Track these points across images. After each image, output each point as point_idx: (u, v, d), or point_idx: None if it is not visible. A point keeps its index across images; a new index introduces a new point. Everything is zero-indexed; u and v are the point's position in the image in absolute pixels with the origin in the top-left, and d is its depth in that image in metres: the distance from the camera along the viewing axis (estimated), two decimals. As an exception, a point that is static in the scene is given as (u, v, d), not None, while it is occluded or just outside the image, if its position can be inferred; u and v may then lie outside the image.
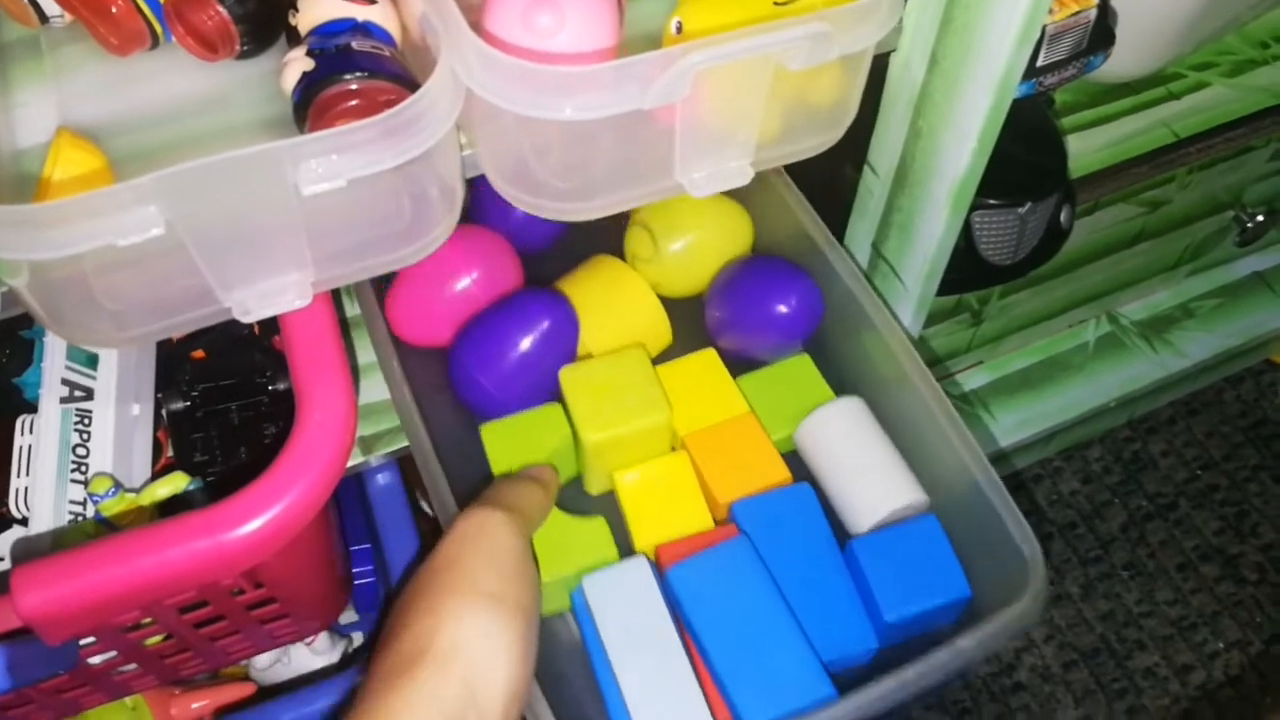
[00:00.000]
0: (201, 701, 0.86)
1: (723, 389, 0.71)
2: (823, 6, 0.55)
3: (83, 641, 0.59)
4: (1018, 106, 0.67)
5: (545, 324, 0.71)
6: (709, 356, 0.72)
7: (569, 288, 0.76)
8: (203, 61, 0.59)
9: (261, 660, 0.89)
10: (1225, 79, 1.04)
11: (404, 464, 0.97)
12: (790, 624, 0.60)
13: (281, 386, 0.78)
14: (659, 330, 0.76)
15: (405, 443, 0.83)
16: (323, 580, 0.73)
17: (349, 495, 0.96)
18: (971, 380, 1.27)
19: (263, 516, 0.52)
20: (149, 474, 0.73)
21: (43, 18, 0.59)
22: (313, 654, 0.92)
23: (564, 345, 0.72)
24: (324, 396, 0.55)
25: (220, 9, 0.56)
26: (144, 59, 0.60)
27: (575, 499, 0.70)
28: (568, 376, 0.68)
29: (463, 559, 0.52)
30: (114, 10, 0.56)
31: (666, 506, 0.66)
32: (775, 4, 0.55)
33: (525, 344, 0.70)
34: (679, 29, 0.57)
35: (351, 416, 0.55)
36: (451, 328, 0.74)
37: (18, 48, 0.61)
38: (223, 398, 0.77)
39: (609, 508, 0.68)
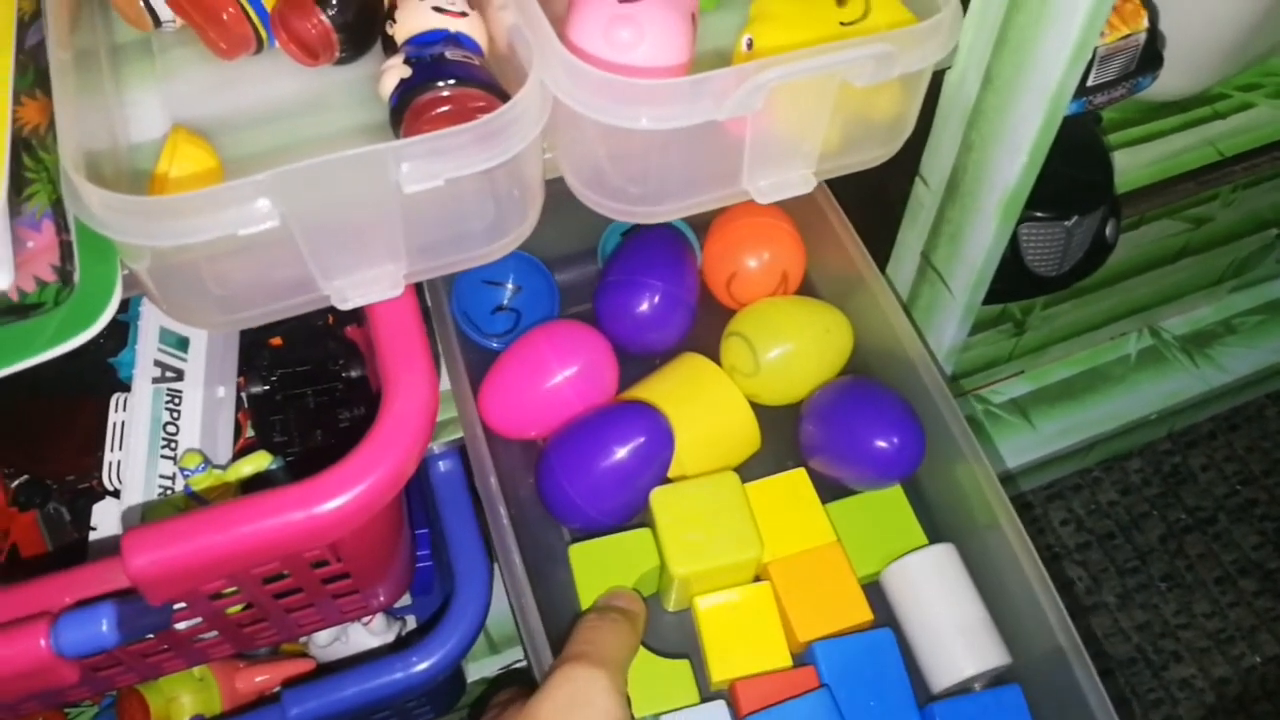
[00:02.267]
0: (264, 675, 0.90)
1: (811, 514, 0.69)
2: (886, 26, 0.58)
3: (174, 606, 0.63)
4: (1066, 123, 0.69)
5: (641, 440, 0.69)
6: (799, 478, 0.71)
7: (658, 386, 0.75)
8: (302, 66, 0.63)
9: (321, 638, 0.92)
10: (1271, 100, 1.06)
11: (466, 452, 1.00)
12: None
13: (354, 374, 0.82)
14: (749, 438, 0.74)
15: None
16: (391, 557, 0.76)
17: (410, 480, 0.99)
18: (1012, 389, 1.29)
19: (352, 491, 0.56)
20: (231, 453, 0.77)
21: (156, 21, 0.63)
22: (370, 634, 0.95)
23: (658, 463, 0.71)
24: (409, 380, 0.58)
25: (323, 18, 0.59)
26: (247, 62, 0.64)
27: (651, 611, 0.68)
28: (659, 500, 0.67)
29: None
30: (225, 16, 0.60)
31: (745, 638, 0.65)
32: (841, 23, 0.59)
33: (618, 459, 0.69)
34: (750, 46, 0.60)
35: (434, 400, 0.59)
36: (541, 424, 0.74)
37: (130, 49, 0.65)
38: (299, 383, 0.80)
39: (685, 623, 0.69)
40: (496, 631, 1.11)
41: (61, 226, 0.54)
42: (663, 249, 0.79)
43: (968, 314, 0.87)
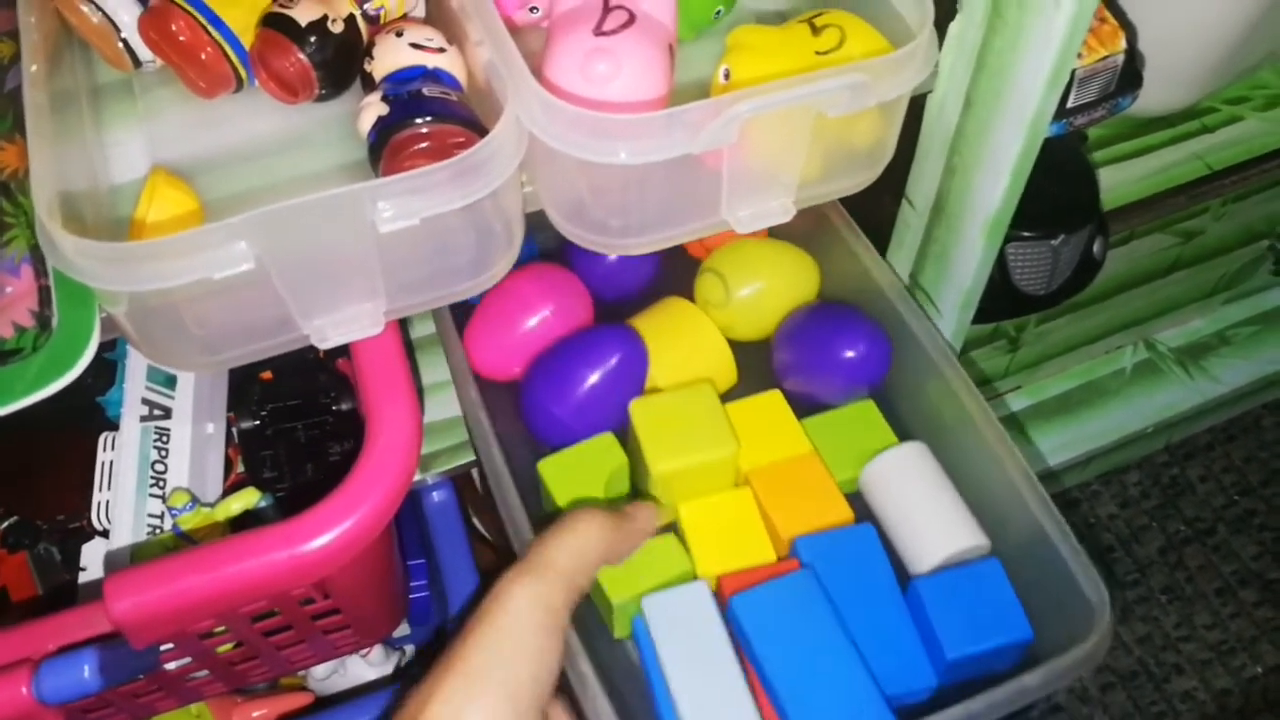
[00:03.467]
0: (262, 710, 0.89)
1: (787, 429, 0.72)
2: (862, 55, 0.58)
3: (162, 648, 0.63)
4: (1050, 142, 0.69)
5: (618, 356, 0.73)
6: (774, 398, 0.73)
7: (641, 326, 0.77)
8: (282, 104, 0.63)
9: (319, 671, 0.92)
10: (1259, 113, 1.06)
11: (459, 482, 1.00)
12: (852, 655, 0.61)
13: (345, 407, 0.82)
14: (725, 371, 0.77)
15: (461, 461, 0.86)
16: (383, 593, 0.76)
17: (405, 512, 0.99)
18: (1009, 404, 1.29)
19: (334, 531, 0.56)
20: (221, 490, 0.77)
21: (136, 62, 0.63)
22: (368, 665, 0.94)
23: (635, 377, 0.74)
24: (392, 418, 0.58)
25: (301, 56, 0.59)
26: (228, 101, 0.64)
27: None
28: (638, 409, 0.69)
29: (467, 634, 0.52)
30: (203, 56, 0.60)
31: (729, 538, 0.67)
32: (817, 53, 0.58)
33: (598, 376, 0.72)
34: (727, 76, 0.60)
35: (417, 437, 0.58)
36: (524, 362, 0.77)
37: (111, 90, 0.65)
38: (290, 417, 0.80)
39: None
40: (494, 659, 1.10)
41: (40, 271, 0.54)
42: None
43: (957, 335, 0.87)
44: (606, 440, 0.71)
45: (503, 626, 0.52)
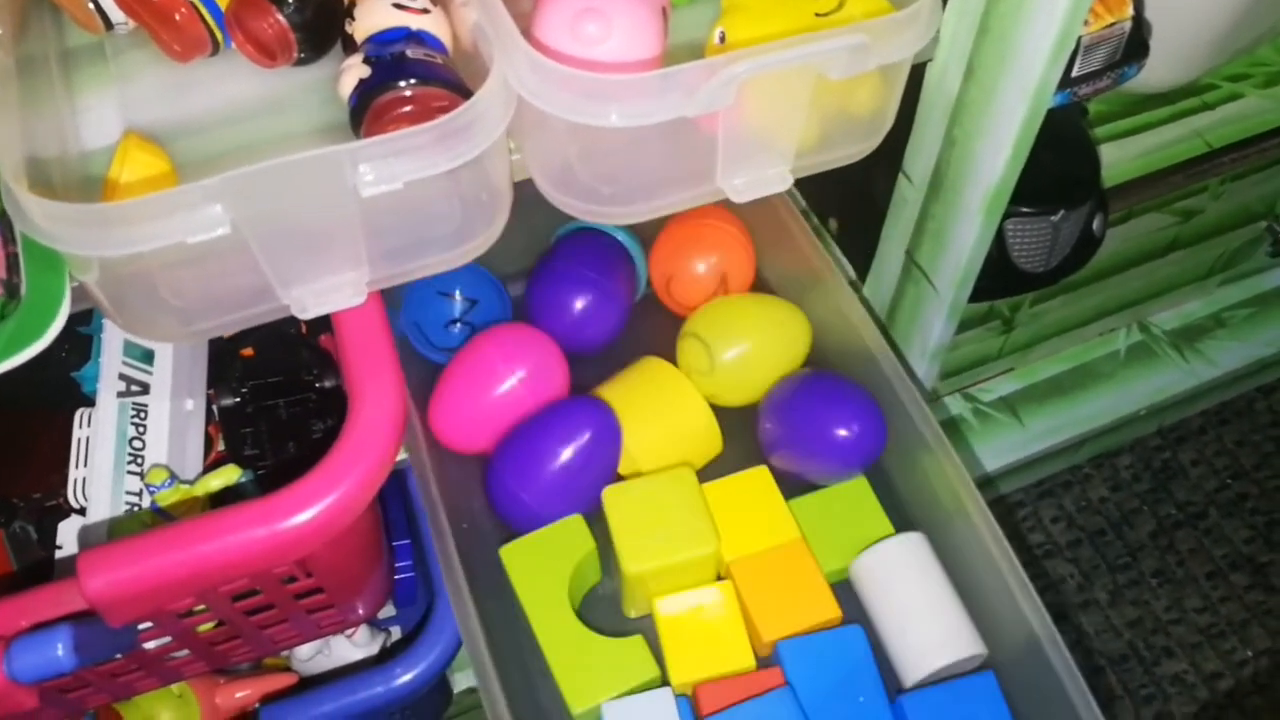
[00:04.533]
0: (245, 690, 0.88)
1: (774, 511, 0.68)
2: (863, 16, 0.57)
3: (141, 626, 0.61)
4: (1051, 116, 0.68)
5: (587, 435, 0.68)
6: (761, 475, 0.69)
7: (616, 391, 0.73)
8: (261, 67, 0.61)
9: (303, 651, 0.91)
10: (1259, 90, 1.05)
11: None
12: None
13: (328, 384, 0.80)
14: (709, 439, 0.73)
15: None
16: (367, 571, 0.75)
17: (390, 492, 0.98)
18: (1002, 386, 1.28)
19: (316, 506, 0.54)
20: (201, 467, 0.75)
21: (108, 24, 0.61)
22: (353, 646, 0.94)
23: (607, 456, 0.70)
24: (375, 391, 0.57)
25: (279, 17, 0.58)
26: (204, 65, 0.62)
27: (612, 620, 0.67)
28: (611, 498, 0.66)
29: None
30: (177, 17, 0.58)
31: (707, 640, 0.64)
32: (816, 14, 0.57)
33: (566, 455, 0.68)
34: (722, 39, 0.58)
35: (402, 411, 0.57)
36: (495, 432, 0.72)
37: (83, 53, 0.63)
38: (271, 394, 0.79)
39: (647, 631, 0.66)
40: (481, 641, 1.09)
41: (8, 238, 0.52)
42: (592, 244, 0.80)
43: (954, 312, 0.86)
44: (574, 524, 0.68)
45: None
